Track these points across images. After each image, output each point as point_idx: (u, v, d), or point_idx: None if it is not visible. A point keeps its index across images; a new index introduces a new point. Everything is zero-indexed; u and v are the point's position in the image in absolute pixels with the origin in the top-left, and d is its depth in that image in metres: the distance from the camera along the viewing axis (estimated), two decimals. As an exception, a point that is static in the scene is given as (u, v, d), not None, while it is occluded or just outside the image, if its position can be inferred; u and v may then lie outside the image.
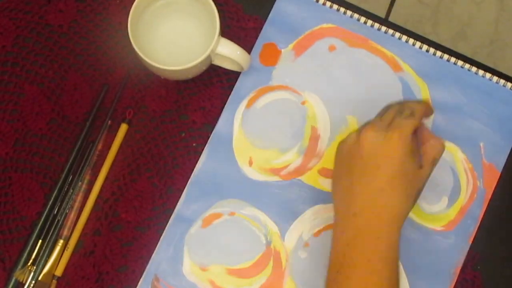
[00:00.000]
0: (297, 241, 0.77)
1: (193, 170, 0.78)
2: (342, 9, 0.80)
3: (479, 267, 0.77)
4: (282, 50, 0.80)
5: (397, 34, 0.80)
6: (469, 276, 0.77)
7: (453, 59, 0.80)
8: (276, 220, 0.77)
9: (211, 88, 0.79)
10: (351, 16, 0.80)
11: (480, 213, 0.78)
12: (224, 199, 0.78)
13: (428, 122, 0.79)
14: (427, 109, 0.70)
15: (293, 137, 0.79)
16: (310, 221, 0.77)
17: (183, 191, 0.77)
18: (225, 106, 0.79)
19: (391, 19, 1.42)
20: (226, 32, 0.80)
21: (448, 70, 0.80)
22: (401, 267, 0.76)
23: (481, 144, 0.79)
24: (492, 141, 0.79)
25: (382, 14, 1.45)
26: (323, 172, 0.78)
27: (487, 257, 0.78)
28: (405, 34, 0.81)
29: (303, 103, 0.79)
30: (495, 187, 0.78)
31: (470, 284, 0.77)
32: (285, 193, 0.78)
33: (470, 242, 0.77)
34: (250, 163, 0.78)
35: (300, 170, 0.78)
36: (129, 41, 0.72)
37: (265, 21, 0.80)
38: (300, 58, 0.80)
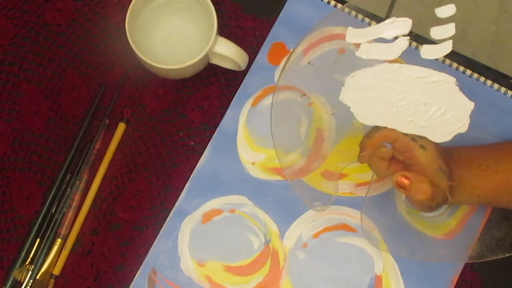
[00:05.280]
0: (296, 241, 0.77)
1: (191, 169, 0.78)
2: (353, 12, 0.80)
3: (477, 267, 0.77)
4: (291, 50, 0.80)
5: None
6: (468, 276, 0.77)
7: (455, 65, 0.79)
8: (276, 220, 0.77)
9: (209, 87, 0.79)
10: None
11: (480, 224, 0.77)
12: (225, 195, 0.77)
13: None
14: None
15: (297, 138, 0.78)
16: (309, 222, 0.77)
17: (181, 190, 0.77)
18: (231, 102, 0.79)
19: (391, 19, 1.42)
20: (224, 31, 0.80)
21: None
22: (399, 274, 0.76)
23: None
24: None
25: (382, 14, 1.45)
26: (326, 174, 0.78)
27: (485, 257, 0.77)
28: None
29: (309, 104, 0.79)
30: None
31: (469, 284, 0.77)
32: (286, 193, 0.78)
33: (469, 252, 0.76)
34: (253, 162, 0.78)
35: (303, 171, 0.78)
36: (127, 40, 0.72)
37: (263, 20, 0.80)
38: (309, 59, 0.79)
